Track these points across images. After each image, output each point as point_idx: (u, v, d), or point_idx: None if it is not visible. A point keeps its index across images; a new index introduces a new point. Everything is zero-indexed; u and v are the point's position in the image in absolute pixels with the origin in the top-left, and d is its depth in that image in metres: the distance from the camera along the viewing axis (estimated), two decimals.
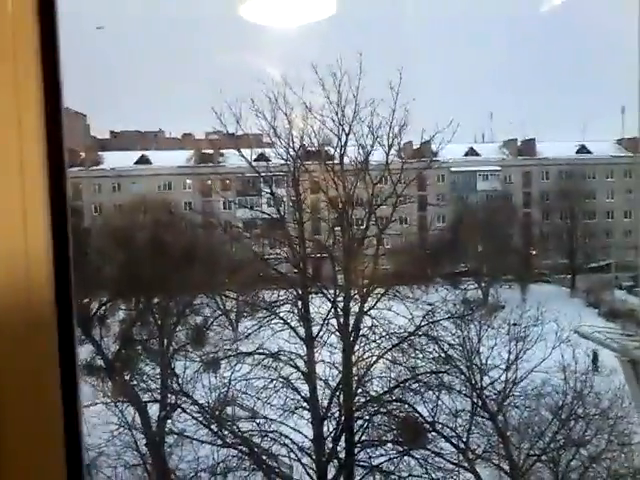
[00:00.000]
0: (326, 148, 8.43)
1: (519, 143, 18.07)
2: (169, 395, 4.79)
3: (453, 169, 15.09)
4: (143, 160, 12.14)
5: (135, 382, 4.84)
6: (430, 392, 5.81)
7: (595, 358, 9.33)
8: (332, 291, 6.02)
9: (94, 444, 4.17)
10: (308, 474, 4.89)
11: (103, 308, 5.65)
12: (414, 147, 10.09)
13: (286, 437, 4.65)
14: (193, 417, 4.64)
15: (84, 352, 4.96)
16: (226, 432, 4.68)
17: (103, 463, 4.32)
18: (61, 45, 0.59)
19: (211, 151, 11.66)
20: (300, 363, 5.23)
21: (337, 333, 5.80)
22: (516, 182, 17.49)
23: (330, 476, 5.11)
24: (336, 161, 7.94)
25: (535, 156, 17.69)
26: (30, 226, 0.56)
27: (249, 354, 5.10)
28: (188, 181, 11.51)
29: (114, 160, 11.88)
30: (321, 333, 5.43)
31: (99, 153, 12.46)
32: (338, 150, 7.87)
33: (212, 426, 4.57)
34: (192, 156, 12.72)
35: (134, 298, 6.00)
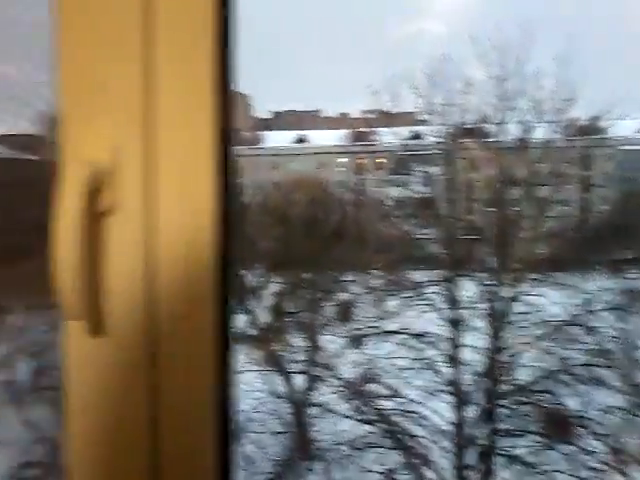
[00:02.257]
0: (484, 125, 8.14)
1: None
2: (314, 367, 4.95)
3: (623, 147, 13.85)
4: (301, 139, 12.52)
5: (283, 353, 5.07)
6: (582, 386, 5.45)
7: None
8: (482, 274, 5.83)
9: (242, 410, 4.44)
10: (446, 458, 4.83)
11: (257, 280, 5.97)
12: (580, 123, 9.43)
13: (426, 419, 4.62)
14: (335, 391, 4.79)
15: (238, 321, 5.26)
16: (366, 408, 4.76)
17: (249, 428, 4.59)
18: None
19: (366, 129, 11.75)
20: (444, 346, 5.15)
21: (485, 318, 5.62)
22: None
23: (469, 462, 5.01)
24: (494, 138, 7.66)
25: None
26: (198, 203, 0.59)
27: (393, 333, 5.11)
28: (342, 160, 11.70)
29: (274, 139, 12.38)
30: (468, 317, 5.29)
31: (259, 132, 13.06)
32: (496, 127, 7.59)
33: (353, 401, 4.67)
34: (347, 135, 12.90)
35: (286, 272, 6.26)
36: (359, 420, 4.74)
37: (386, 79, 7.85)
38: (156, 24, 0.58)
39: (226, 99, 0.59)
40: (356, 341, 5.33)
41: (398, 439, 4.80)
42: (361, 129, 11.44)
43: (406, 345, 5.08)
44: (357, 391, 4.88)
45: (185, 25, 0.58)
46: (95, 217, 0.57)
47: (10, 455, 3.89)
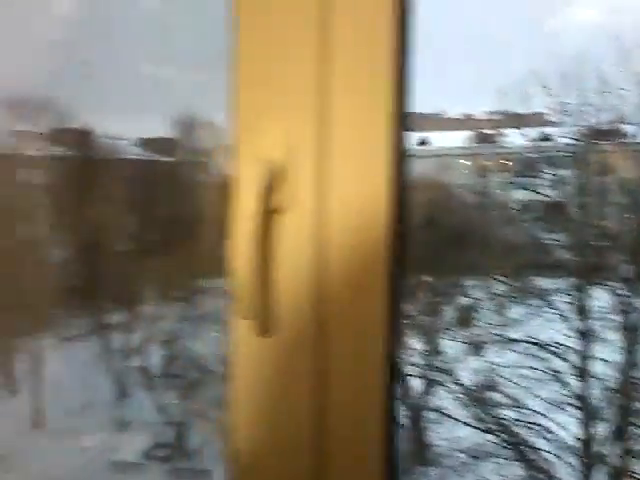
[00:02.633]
0: (621, 125, 7.63)
1: None
2: (432, 371, 4.88)
3: None
4: (423, 142, 12.38)
5: (401, 355, 5.03)
6: None
7: None
8: (615, 284, 5.47)
9: None
10: (571, 475, 4.58)
11: None
12: None
13: (550, 432, 4.41)
14: (454, 397, 4.68)
15: None
16: (486, 416, 4.62)
17: None
18: None
19: (490, 131, 11.40)
20: (572, 358, 4.88)
21: (618, 330, 5.27)
22: None
23: None
24: (632, 140, 7.17)
25: None
26: (372, 204, 0.59)
27: (517, 341, 4.92)
28: (466, 162, 11.43)
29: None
30: (599, 328, 4.98)
31: None
32: (636, 127, 7.09)
33: (472, 408, 4.55)
34: (471, 136, 12.58)
35: (408, 274, 6.18)
36: (478, 428, 4.61)
37: (515, 79, 7.58)
38: (333, 23, 0.58)
39: (402, 98, 0.58)
40: (477, 347, 5.19)
41: (520, 451, 4.62)
42: (486, 130, 11.12)
43: (530, 354, 4.87)
44: (477, 398, 4.76)
45: (362, 23, 0.58)
46: (268, 216, 0.57)
47: (144, 436, 4.13)
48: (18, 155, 4.36)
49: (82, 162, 4.51)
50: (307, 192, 0.59)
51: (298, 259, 0.59)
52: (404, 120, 0.59)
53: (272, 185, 0.58)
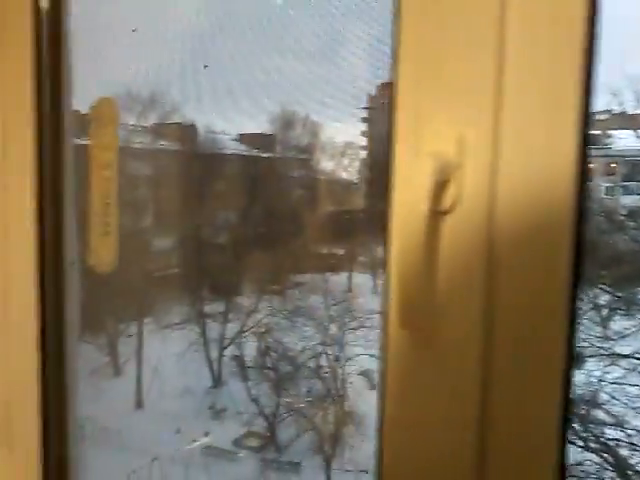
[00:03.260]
0: None
1: None
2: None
3: None
4: None
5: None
6: None
7: None
8: None
9: None
10: None
11: None
12: None
13: None
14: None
15: None
16: (587, 434, 4.40)
17: None
18: None
19: (598, 132, 10.87)
20: None
21: None
22: None
23: None
24: None
25: None
26: (552, 208, 0.58)
27: (624, 356, 4.65)
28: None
29: None
30: None
31: None
32: None
33: (574, 425, 4.34)
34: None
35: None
36: (578, 445, 4.40)
37: (627, 77, 7.15)
38: (511, 20, 0.57)
39: (587, 97, 0.57)
40: (577, 360, 4.95)
41: (624, 474, 4.37)
42: (592, 131, 10.59)
43: (638, 371, 4.60)
44: (577, 414, 4.54)
45: (543, 21, 0.56)
46: (436, 216, 0.55)
47: (237, 424, 4.24)
48: (127, 148, 4.56)
49: (186, 156, 4.67)
50: (477, 191, 0.55)
51: (464, 266, 0.56)
52: (589, 120, 0.57)
53: (442, 182, 0.55)
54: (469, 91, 0.57)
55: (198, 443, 3.99)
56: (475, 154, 0.56)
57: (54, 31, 1.06)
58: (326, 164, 5.02)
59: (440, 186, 0.54)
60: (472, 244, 0.55)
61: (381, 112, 7.50)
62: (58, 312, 1.14)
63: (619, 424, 4.97)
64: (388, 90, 0.63)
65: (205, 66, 3.59)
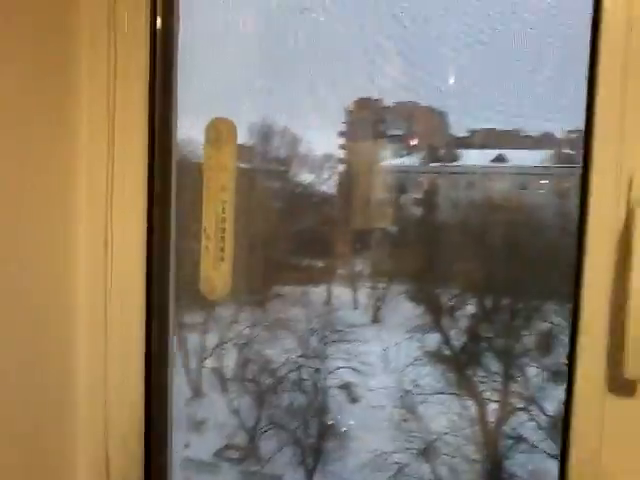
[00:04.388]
0: None
1: None
2: (510, 397, 4.73)
3: None
4: (499, 158, 12.13)
5: (478, 378, 4.90)
6: None
7: None
8: None
9: (436, 430, 4.36)
10: None
11: (454, 300, 5.84)
12: None
13: None
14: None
15: (432, 339, 5.21)
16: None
17: (442, 450, 4.49)
18: None
19: (572, 151, 11.10)
20: None
21: None
22: None
23: None
24: None
25: None
26: None
27: None
28: (543, 181, 11.14)
29: (471, 157, 12.14)
30: None
31: (457, 150, 12.87)
32: None
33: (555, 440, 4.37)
34: (550, 156, 12.27)
35: (484, 295, 6.06)
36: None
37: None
38: None
39: None
40: (558, 376, 5.00)
41: None
42: (566, 150, 10.82)
43: None
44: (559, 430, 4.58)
45: None
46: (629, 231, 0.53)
47: (217, 436, 4.17)
48: None
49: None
50: None
51: None
52: None
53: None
54: None
55: (178, 455, 3.89)
56: None
57: (166, 51, 1.08)
58: (305, 176, 5.01)
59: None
60: None
61: (358, 126, 7.53)
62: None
63: None
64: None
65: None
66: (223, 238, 1.15)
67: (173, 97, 1.13)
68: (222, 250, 1.17)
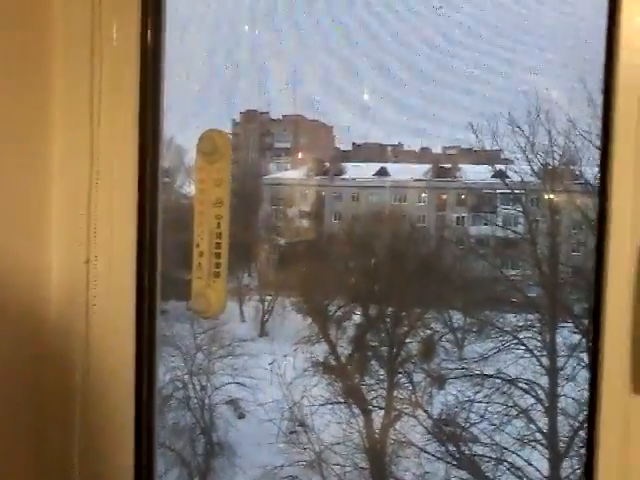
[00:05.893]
0: (572, 167, 7.90)
1: None
2: (395, 404, 4.85)
3: None
4: (382, 172, 12.45)
5: (363, 386, 4.99)
6: None
7: None
8: (584, 321, 5.58)
9: (326, 440, 4.38)
10: None
11: (340, 311, 5.92)
12: None
13: (518, 469, 4.42)
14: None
15: (319, 350, 5.23)
16: (454, 451, 4.60)
17: (332, 461, 4.52)
18: None
19: (448, 165, 11.60)
20: (540, 395, 4.92)
21: (587, 368, 5.35)
22: None
23: None
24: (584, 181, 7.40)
25: None
26: None
27: (482, 376, 4.94)
28: (423, 194, 11.57)
29: (355, 171, 12.38)
30: (567, 366, 5.06)
31: (342, 164, 13.08)
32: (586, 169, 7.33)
33: (441, 442, 4.53)
34: (429, 170, 12.75)
35: (369, 304, 6.19)
36: (450, 463, 4.58)
37: (482, 116, 7.73)
38: None
39: None
40: (439, 381, 5.19)
41: None
42: (444, 165, 11.33)
43: (498, 390, 4.89)
44: (445, 433, 4.73)
45: None
46: None
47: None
48: None
49: None
50: None
51: None
52: None
53: None
54: None
55: None
56: None
57: (154, 66, 1.05)
58: (191, 188, 4.90)
59: None
60: None
61: (243, 138, 7.46)
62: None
63: (480, 441, 5.26)
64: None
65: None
66: (219, 254, 1.11)
67: (160, 111, 1.12)
68: (217, 266, 1.12)
